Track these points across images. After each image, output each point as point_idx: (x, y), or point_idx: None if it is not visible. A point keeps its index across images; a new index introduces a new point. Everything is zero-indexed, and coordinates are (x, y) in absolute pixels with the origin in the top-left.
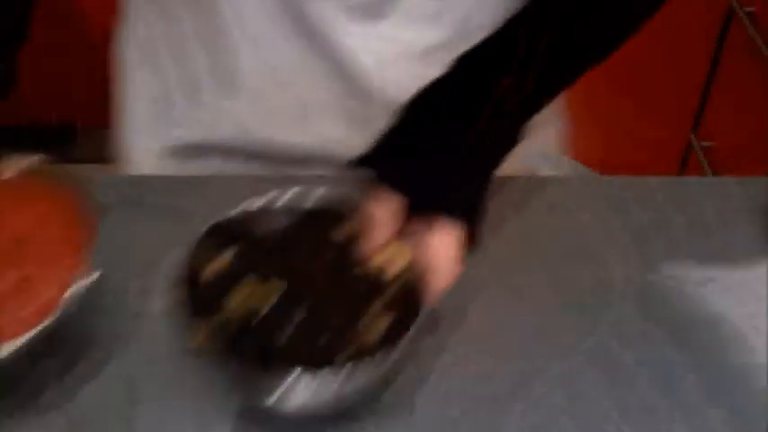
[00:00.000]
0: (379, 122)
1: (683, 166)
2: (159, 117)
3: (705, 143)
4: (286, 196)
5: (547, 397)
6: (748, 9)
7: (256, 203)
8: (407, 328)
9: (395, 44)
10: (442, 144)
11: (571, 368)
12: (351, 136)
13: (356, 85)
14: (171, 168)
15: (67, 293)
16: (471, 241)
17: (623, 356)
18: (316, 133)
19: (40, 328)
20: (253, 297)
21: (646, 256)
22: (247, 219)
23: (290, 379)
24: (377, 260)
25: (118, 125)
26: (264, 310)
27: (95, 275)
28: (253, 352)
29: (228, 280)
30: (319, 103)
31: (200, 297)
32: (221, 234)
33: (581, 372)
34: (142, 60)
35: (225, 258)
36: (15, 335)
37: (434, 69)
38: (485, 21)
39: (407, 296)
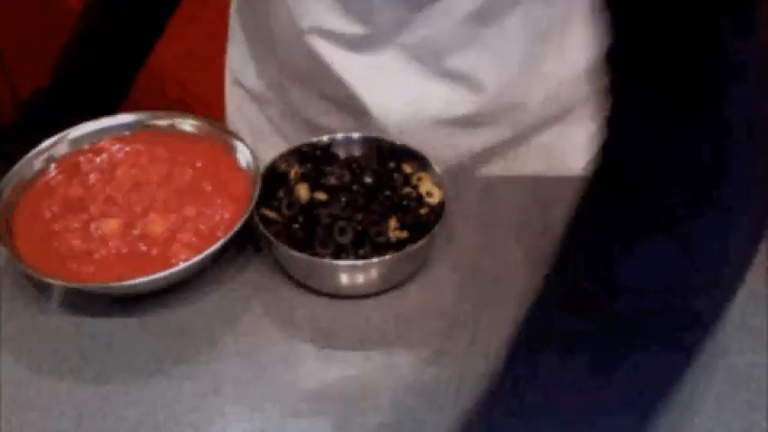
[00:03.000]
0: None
1: None
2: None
3: None
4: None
5: None
6: None
7: (340, 134)
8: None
9: (382, 73)
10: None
11: None
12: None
13: (355, 101)
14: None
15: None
16: None
17: None
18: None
19: (211, 249)
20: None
21: None
22: (332, 143)
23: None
24: (413, 190)
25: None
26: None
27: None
28: (305, 229)
29: (299, 179)
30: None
31: (282, 183)
32: (307, 150)
33: None
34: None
35: (301, 168)
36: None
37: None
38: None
39: (423, 223)
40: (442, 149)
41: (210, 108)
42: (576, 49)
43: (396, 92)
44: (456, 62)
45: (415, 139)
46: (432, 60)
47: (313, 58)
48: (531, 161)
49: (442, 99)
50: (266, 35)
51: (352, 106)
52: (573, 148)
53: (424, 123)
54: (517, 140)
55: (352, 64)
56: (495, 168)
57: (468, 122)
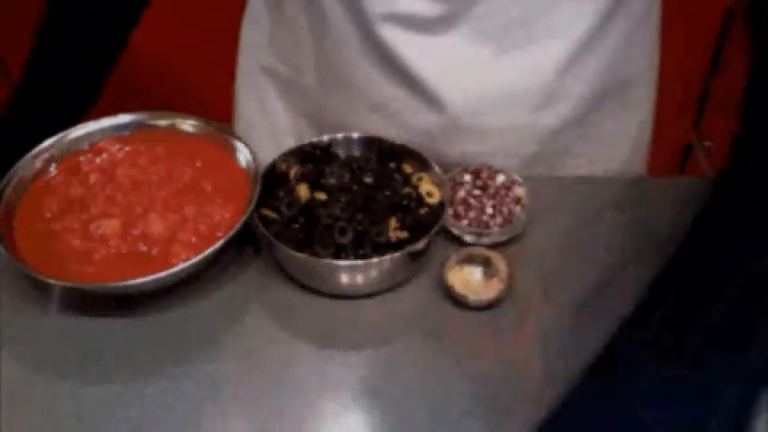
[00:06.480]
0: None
1: (683, 166)
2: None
3: (705, 143)
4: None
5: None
6: None
7: (340, 134)
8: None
9: (454, 56)
10: None
11: (571, 368)
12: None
13: (420, 91)
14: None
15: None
16: None
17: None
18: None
19: (211, 249)
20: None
21: (645, 255)
22: (332, 143)
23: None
24: (413, 190)
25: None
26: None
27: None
28: (305, 229)
29: (299, 179)
30: (395, 107)
31: (282, 183)
32: (307, 151)
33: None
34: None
35: (301, 168)
36: (190, 255)
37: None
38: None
39: (423, 223)
40: (510, 133)
41: (211, 108)
42: (635, 20)
43: (465, 74)
44: (526, 34)
45: (480, 123)
46: (503, 34)
47: (379, 48)
48: (586, 146)
49: (514, 75)
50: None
51: (411, 99)
52: (625, 133)
53: (497, 105)
54: (576, 122)
55: (421, 49)
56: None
57: (537, 100)
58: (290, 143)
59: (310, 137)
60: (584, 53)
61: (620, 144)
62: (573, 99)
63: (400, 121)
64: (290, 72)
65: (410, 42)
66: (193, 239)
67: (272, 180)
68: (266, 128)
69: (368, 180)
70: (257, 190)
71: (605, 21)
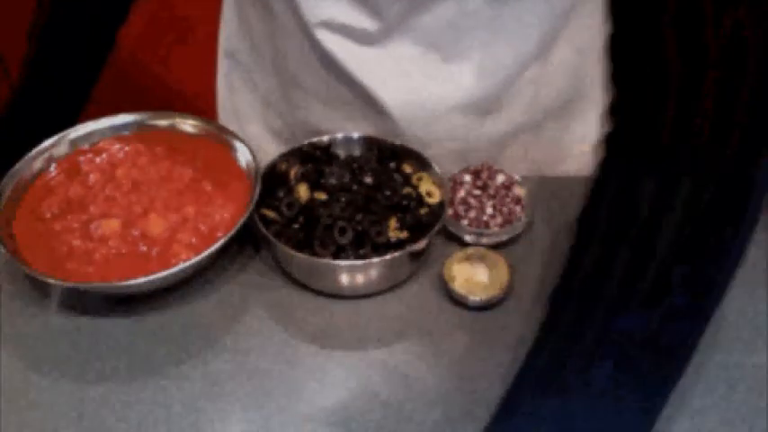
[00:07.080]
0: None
1: None
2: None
3: None
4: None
5: None
6: None
7: (340, 134)
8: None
9: (392, 66)
10: None
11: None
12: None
13: (365, 97)
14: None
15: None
16: None
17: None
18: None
19: (211, 249)
20: (310, 193)
21: None
22: (332, 143)
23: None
24: (413, 190)
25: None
26: (317, 203)
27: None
28: (305, 229)
29: (299, 179)
30: (348, 109)
31: (282, 183)
32: (307, 150)
33: None
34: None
35: (301, 168)
36: (191, 254)
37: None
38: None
39: (423, 223)
40: (453, 141)
41: (211, 108)
42: (587, 31)
43: (407, 83)
44: (468, 45)
45: (425, 131)
46: (439, 48)
47: (321, 53)
48: (540, 151)
49: (454, 85)
50: (266, 34)
51: (359, 103)
52: (580, 137)
53: (438, 113)
54: (529, 129)
55: (362, 58)
56: (507, 160)
57: (481, 108)
58: (256, 129)
59: (277, 127)
60: (524, 68)
61: (572, 150)
62: (517, 110)
63: (359, 121)
64: (254, 64)
65: (349, 50)
66: (193, 239)
67: (272, 180)
68: (233, 109)
69: (368, 180)
70: (257, 190)
71: (550, 35)
